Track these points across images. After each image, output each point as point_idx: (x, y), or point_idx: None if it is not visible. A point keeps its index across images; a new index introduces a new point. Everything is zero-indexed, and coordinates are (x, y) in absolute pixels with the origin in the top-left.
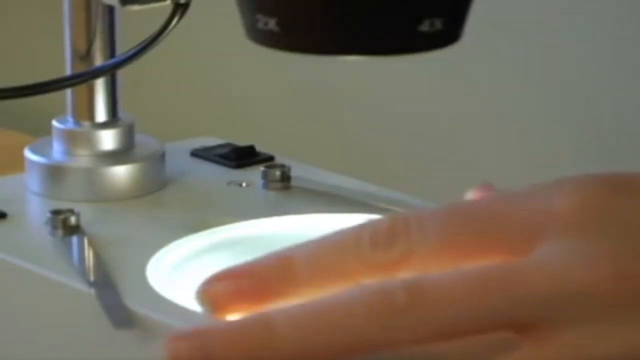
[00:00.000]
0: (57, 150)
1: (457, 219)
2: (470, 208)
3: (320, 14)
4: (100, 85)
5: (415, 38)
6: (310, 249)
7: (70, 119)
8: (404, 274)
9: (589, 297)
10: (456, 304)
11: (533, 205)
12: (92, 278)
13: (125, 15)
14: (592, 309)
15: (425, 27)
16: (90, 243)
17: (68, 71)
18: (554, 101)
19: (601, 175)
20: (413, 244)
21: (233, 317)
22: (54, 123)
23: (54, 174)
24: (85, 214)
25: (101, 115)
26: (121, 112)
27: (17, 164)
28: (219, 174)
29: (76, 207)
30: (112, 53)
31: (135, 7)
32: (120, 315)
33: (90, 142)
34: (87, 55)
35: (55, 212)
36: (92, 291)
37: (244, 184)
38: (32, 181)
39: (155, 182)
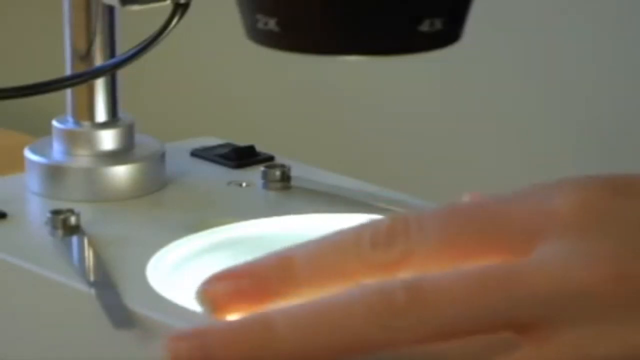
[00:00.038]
0: (57, 150)
1: (457, 219)
2: (470, 208)
3: (320, 14)
4: (100, 85)
5: (415, 38)
6: (310, 249)
7: (70, 119)
8: (404, 274)
9: (589, 297)
10: (456, 304)
11: (533, 205)
12: (92, 278)
13: (125, 15)
14: (592, 309)
15: (425, 27)
16: (90, 243)
17: (68, 71)
18: (554, 101)
19: (601, 176)
20: (413, 244)
21: (233, 317)
22: (54, 123)
23: (54, 174)
24: (85, 214)
25: (101, 115)
26: (121, 112)
27: (17, 164)
28: (219, 174)
29: (76, 207)
30: (112, 53)
31: (135, 7)
32: (120, 315)
33: (90, 142)
34: (87, 55)
35: (55, 212)
36: (92, 291)
37: (244, 184)
38: (32, 181)
39: (155, 182)
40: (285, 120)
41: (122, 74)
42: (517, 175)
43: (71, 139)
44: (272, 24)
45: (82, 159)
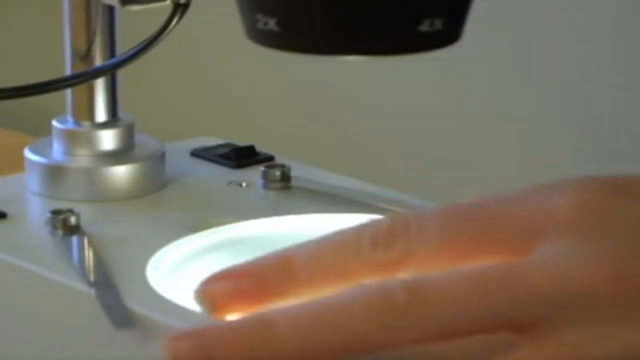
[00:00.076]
0: (57, 150)
1: (457, 219)
2: (470, 208)
3: (320, 14)
4: (100, 85)
5: (415, 38)
6: (310, 249)
7: (70, 119)
8: (404, 274)
9: (589, 297)
10: (456, 304)
11: (533, 205)
12: (92, 278)
13: (125, 15)
14: (592, 309)
15: (425, 27)
16: (90, 243)
17: (68, 71)
18: (554, 101)
19: (601, 176)
20: (413, 244)
21: (233, 317)
22: (54, 123)
23: (54, 174)
24: (85, 214)
25: (101, 115)
26: (121, 112)
27: (17, 164)
28: (219, 174)
29: (76, 207)
30: (112, 53)
31: (135, 7)
32: (120, 315)
33: (90, 142)
34: (87, 55)
35: (55, 212)
36: (92, 291)
37: (244, 184)
38: (32, 181)
39: (155, 182)
40: (285, 120)
41: (122, 74)
42: (517, 175)
43: (71, 139)
44: (272, 24)
45: (82, 159)
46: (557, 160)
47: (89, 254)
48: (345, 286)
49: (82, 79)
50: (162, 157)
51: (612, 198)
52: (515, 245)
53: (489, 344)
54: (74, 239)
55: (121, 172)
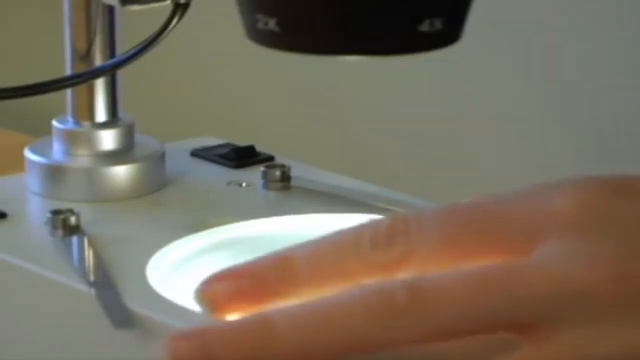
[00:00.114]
0: (57, 150)
1: (457, 219)
2: (470, 208)
3: (320, 14)
4: (100, 85)
5: (415, 38)
6: (310, 249)
7: (70, 119)
8: (404, 274)
9: (589, 297)
10: (456, 304)
11: (533, 205)
12: (92, 278)
13: (125, 15)
14: (592, 309)
15: (425, 27)
16: (90, 243)
17: (68, 71)
18: (554, 101)
19: (601, 176)
20: (413, 244)
21: (233, 317)
22: (54, 123)
23: (54, 174)
24: (85, 214)
25: (101, 115)
26: (121, 112)
27: (17, 164)
28: (219, 174)
29: (76, 207)
30: (112, 53)
31: (135, 7)
32: (120, 315)
33: (90, 142)
34: (87, 55)
35: (55, 212)
36: (92, 291)
37: (244, 184)
38: (32, 181)
39: (155, 182)
40: (285, 120)
41: (122, 74)
42: (517, 175)
43: (71, 139)
44: (272, 24)
45: (82, 159)
46: (557, 160)
47: (89, 254)
48: (345, 286)
49: (82, 79)
50: (162, 157)
51: (612, 198)
52: (515, 245)
53: (489, 344)
54: (74, 239)
55: (121, 172)
